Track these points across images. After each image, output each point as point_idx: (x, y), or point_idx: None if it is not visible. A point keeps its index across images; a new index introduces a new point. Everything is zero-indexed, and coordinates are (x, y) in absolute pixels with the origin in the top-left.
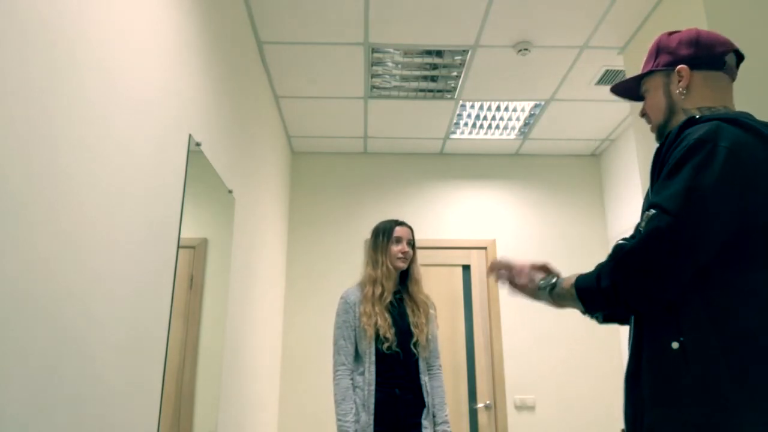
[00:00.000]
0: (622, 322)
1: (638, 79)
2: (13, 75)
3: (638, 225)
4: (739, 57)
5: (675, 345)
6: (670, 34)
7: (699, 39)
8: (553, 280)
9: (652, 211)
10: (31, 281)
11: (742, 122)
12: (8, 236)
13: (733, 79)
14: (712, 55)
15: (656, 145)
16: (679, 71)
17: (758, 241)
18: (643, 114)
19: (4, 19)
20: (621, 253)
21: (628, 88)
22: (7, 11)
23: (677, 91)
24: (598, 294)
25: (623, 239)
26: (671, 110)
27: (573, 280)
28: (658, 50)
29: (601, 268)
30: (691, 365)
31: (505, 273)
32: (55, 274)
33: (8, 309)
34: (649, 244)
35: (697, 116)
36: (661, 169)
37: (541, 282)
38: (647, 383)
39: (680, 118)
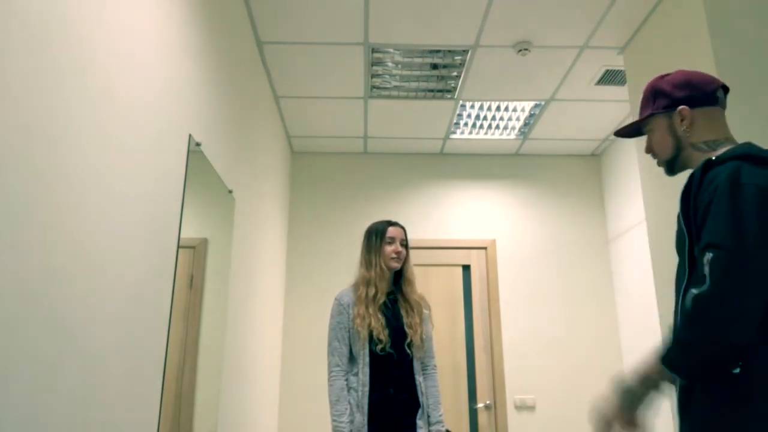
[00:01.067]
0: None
1: (640, 122)
2: (14, 77)
3: (700, 270)
4: (725, 89)
5: (736, 370)
6: (662, 77)
7: (691, 80)
8: (637, 385)
9: (709, 253)
10: (32, 281)
11: (754, 156)
12: (9, 236)
13: (724, 109)
14: (705, 93)
15: None
16: (680, 112)
17: None
18: (650, 151)
19: (3, 21)
20: (700, 299)
21: (631, 130)
22: (7, 13)
23: (682, 129)
24: (679, 353)
25: (693, 290)
26: (679, 147)
27: (658, 366)
28: (655, 94)
29: (677, 331)
30: (758, 387)
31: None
32: (56, 273)
33: (9, 309)
34: (722, 284)
35: (713, 158)
36: (695, 212)
37: (631, 401)
38: (710, 410)
39: (688, 152)
